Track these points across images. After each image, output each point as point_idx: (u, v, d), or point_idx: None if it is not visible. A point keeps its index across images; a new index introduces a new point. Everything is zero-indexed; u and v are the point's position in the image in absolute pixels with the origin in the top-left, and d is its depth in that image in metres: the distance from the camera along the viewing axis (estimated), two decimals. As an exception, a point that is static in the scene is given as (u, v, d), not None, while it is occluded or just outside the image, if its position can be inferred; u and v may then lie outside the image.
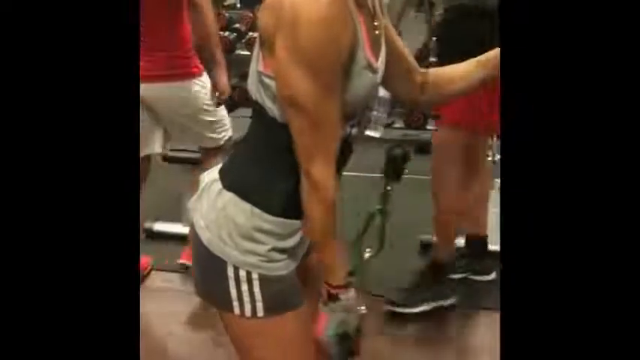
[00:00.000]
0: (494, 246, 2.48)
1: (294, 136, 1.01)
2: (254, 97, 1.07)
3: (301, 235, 1.13)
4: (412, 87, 1.25)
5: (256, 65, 1.05)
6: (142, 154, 2.34)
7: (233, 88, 4.32)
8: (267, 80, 1.02)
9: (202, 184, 1.16)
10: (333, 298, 1.10)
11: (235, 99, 4.36)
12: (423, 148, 3.22)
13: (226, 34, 5.10)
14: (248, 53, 4.67)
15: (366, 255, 1.13)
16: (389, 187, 1.15)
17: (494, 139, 2.92)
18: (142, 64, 1.84)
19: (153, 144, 2.44)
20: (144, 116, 2.26)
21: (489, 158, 3.07)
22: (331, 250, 1.09)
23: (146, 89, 2.01)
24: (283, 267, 1.13)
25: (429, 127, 3.92)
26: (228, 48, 4.80)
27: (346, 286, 1.11)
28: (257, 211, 1.08)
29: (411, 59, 1.24)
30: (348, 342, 1.11)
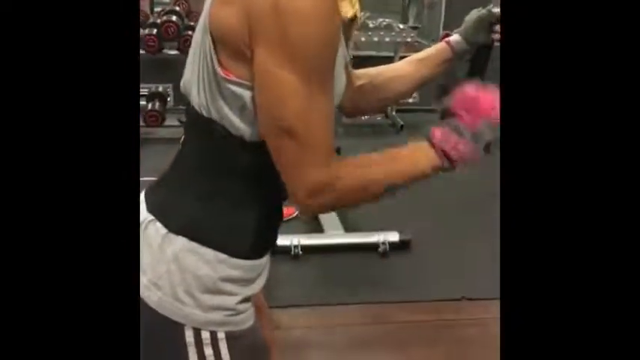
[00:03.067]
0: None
1: (281, 154, 0.83)
2: (205, 113, 0.86)
3: (265, 274, 0.97)
4: (353, 92, 1.10)
5: (209, 71, 0.84)
6: None
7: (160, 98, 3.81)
8: (235, 89, 0.83)
9: None
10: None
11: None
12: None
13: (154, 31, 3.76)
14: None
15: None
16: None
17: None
18: None
19: None
20: None
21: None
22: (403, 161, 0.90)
23: None
24: (250, 317, 0.95)
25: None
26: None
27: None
28: (222, 256, 0.89)
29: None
30: None
